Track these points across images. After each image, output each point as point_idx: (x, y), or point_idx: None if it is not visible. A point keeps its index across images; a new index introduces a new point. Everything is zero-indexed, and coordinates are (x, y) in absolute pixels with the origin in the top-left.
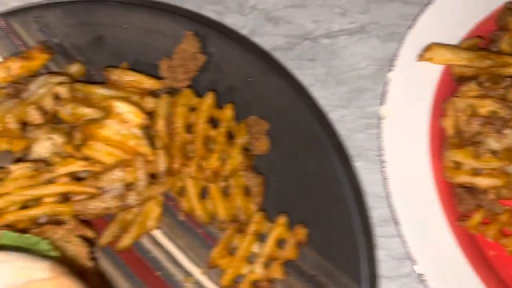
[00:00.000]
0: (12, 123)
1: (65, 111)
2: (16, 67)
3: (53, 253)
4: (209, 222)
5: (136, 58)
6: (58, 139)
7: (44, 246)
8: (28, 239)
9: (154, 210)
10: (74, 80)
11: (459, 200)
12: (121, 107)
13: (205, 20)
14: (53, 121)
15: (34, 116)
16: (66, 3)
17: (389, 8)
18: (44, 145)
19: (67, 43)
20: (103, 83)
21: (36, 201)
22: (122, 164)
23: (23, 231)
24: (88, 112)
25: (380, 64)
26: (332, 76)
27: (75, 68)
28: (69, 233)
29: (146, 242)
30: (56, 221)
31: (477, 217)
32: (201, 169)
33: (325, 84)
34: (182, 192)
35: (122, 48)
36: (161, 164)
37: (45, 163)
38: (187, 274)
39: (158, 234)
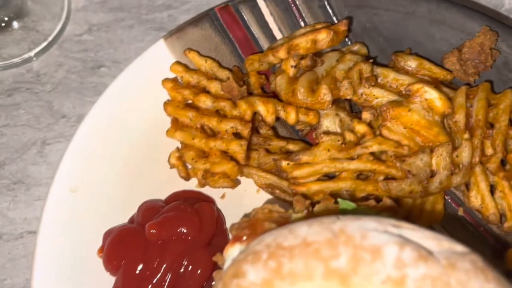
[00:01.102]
0: (302, 94)
1: (360, 93)
2: (325, 39)
3: None
4: (498, 221)
5: (414, 46)
6: (345, 117)
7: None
8: (368, 211)
9: (438, 201)
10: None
11: None
12: (431, 93)
13: (496, 15)
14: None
15: (347, 90)
16: None
17: None
18: (334, 121)
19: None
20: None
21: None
22: (428, 150)
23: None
24: (379, 94)
25: None
26: None
27: (356, 48)
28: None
29: None
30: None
31: None
32: (499, 167)
33: None
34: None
35: (399, 35)
36: (466, 156)
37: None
38: None
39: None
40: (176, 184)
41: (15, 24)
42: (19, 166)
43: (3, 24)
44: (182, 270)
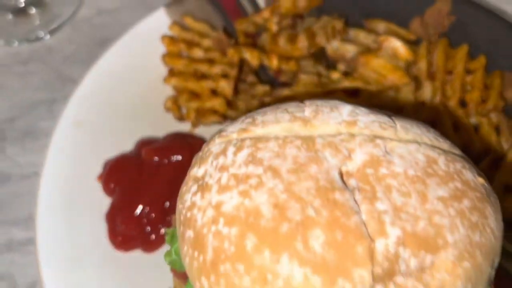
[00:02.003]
0: (283, 42)
1: (333, 46)
2: (303, 2)
3: None
4: None
5: (385, 17)
6: (323, 70)
7: None
8: None
9: None
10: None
11: None
12: (395, 42)
13: None
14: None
15: (321, 38)
16: None
17: None
18: (312, 73)
19: None
20: None
21: None
22: (394, 87)
23: None
24: (351, 49)
25: None
26: None
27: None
28: None
29: None
30: None
31: None
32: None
33: None
34: None
35: (373, 10)
36: (427, 93)
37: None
38: None
39: None
40: (171, 128)
41: (33, 9)
42: (28, 120)
43: (21, 7)
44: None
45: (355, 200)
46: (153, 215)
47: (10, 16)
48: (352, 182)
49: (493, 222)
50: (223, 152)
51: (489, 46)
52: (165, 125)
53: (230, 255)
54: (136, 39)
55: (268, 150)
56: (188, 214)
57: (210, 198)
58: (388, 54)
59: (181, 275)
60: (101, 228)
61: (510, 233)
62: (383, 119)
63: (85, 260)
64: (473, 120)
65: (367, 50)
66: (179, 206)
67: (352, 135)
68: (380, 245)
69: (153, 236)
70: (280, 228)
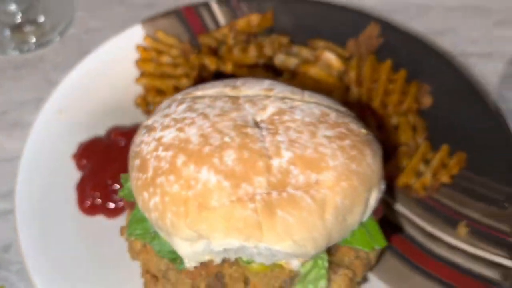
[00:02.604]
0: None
1: (279, 58)
2: (255, 20)
3: None
4: None
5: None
6: (270, 77)
7: None
8: None
9: None
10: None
11: None
12: (330, 55)
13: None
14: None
15: (268, 49)
16: None
17: None
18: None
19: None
20: None
21: None
22: (327, 91)
23: None
24: (294, 60)
25: None
26: None
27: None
28: None
29: None
30: None
31: None
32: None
33: None
34: None
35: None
36: (354, 96)
37: None
38: None
39: None
40: (140, 121)
41: (28, 27)
42: (17, 114)
43: (18, 23)
44: None
45: (262, 135)
46: (117, 186)
47: (7, 32)
48: (262, 124)
49: (370, 160)
50: (168, 106)
51: (409, 63)
52: (135, 118)
53: (165, 170)
54: (115, 47)
55: (202, 103)
56: (137, 149)
57: (154, 135)
58: (324, 65)
59: (130, 204)
60: (72, 197)
61: None
62: (295, 89)
63: (57, 225)
64: (394, 120)
65: (307, 62)
66: (131, 148)
67: (268, 96)
68: (276, 162)
69: (115, 204)
70: (203, 150)
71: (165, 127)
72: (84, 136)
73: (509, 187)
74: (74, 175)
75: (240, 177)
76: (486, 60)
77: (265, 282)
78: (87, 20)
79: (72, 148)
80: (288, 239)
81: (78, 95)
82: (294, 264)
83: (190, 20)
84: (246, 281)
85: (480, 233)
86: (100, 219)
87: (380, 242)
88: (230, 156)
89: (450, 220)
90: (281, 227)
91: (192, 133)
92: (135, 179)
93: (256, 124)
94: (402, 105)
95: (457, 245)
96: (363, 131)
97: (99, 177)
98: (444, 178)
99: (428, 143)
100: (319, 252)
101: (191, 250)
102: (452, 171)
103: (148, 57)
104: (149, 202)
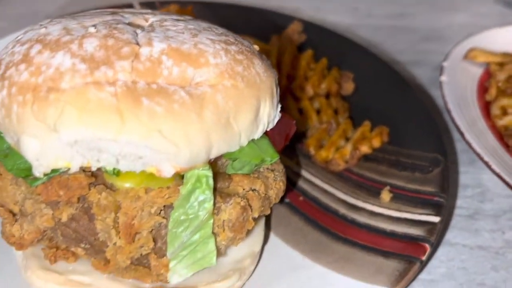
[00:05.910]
0: None
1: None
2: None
3: None
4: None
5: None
6: None
7: None
8: None
9: None
10: None
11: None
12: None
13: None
14: None
15: None
16: None
17: None
18: None
19: None
20: None
21: None
22: None
23: None
24: None
25: None
26: None
27: None
28: None
29: None
30: None
31: None
32: (302, 88)
33: None
34: None
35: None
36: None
37: None
38: None
39: None
40: None
41: None
42: None
43: None
44: None
45: (135, 31)
46: None
47: None
48: (140, 28)
49: (260, 69)
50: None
51: (333, 56)
52: None
53: (16, 61)
54: None
55: (83, 15)
56: None
57: (15, 41)
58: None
59: None
60: None
61: None
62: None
63: None
64: (316, 104)
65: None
66: None
67: (154, 14)
68: (145, 50)
69: None
70: (62, 38)
71: (27, 31)
72: None
73: (432, 153)
74: None
75: (100, 61)
76: (414, 67)
77: (138, 207)
78: None
79: None
80: (154, 130)
81: None
82: (167, 170)
83: None
84: (116, 211)
85: (405, 198)
86: None
87: (271, 154)
88: (91, 44)
89: (373, 190)
90: (145, 116)
91: (55, 28)
92: None
93: (133, 29)
94: (321, 86)
95: (380, 212)
96: (256, 46)
97: None
98: (364, 149)
99: (349, 121)
100: (197, 158)
101: (40, 150)
102: (373, 142)
103: None
104: None
